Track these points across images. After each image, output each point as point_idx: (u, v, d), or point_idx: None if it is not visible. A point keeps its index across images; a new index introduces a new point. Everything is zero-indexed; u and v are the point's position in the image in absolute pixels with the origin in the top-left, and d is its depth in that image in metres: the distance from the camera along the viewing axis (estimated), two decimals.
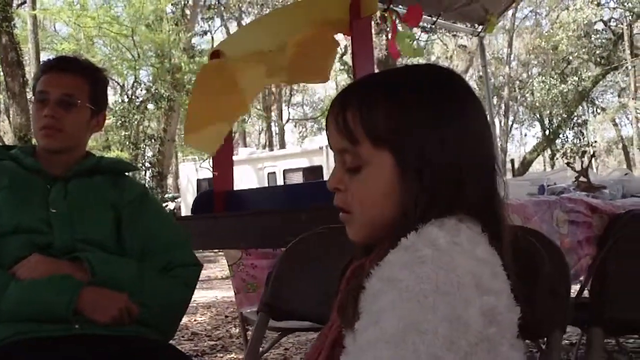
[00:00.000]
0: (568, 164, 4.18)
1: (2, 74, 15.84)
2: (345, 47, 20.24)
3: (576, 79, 27.90)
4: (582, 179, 3.83)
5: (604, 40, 27.73)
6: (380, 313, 0.99)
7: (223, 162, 3.47)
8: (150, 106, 24.76)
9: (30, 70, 18.40)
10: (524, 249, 1.15)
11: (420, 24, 5.93)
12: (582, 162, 4.18)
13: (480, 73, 19.38)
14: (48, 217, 2.06)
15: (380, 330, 0.98)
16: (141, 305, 2.00)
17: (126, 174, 2.33)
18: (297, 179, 19.78)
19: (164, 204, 12.28)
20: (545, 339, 1.29)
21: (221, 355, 5.45)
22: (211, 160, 3.76)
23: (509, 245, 1.10)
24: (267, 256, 3.67)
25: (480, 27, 5.76)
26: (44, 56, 20.72)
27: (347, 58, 24.39)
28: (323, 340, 1.16)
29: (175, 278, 2.14)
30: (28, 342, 1.86)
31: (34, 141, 2.41)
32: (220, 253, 13.18)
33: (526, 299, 1.08)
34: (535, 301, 1.13)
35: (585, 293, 3.74)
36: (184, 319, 2.18)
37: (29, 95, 16.91)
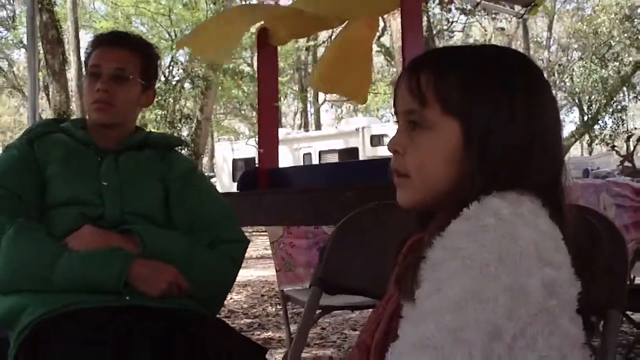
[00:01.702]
0: (613, 147, 4.14)
1: (42, 51, 15.98)
2: (383, 28, 20.16)
3: (617, 63, 27.50)
4: (627, 163, 3.80)
5: None
6: (442, 281, 1.00)
7: (268, 139, 3.48)
8: (187, 85, 24.90)
9: (69, 49, 18.57)
10: (582, 227, 1.14)
11: (461, 4, 5.89)
12: (627, 146, 4.14)
13: None
14: (100, 189, 2.09)
15: (441, 297, 0.99)
16: (189, 279, 2.02)
17: (175, 149, 2.35)
18: (333, 160, 19.81)
19: None
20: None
21: (258, 333, 5.50)
22: (257, 138, 3.78)
23: (570, 221, 1.10)
24: (307, 236, 3.69)
25: (524, 9, 5.68)
26: (83, 35, 20.93)
27: (384, 40, 24.28)
28: (381, 312, 1.17)
29: (222, 253, 2.15)
30: (78, 313, 1.88)
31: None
32: (255, 233, 13.30)
33: (584, 276, 1.08)
34: (593, 278, 1.12)
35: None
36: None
37: (69, 73, 17.11)
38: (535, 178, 1.09)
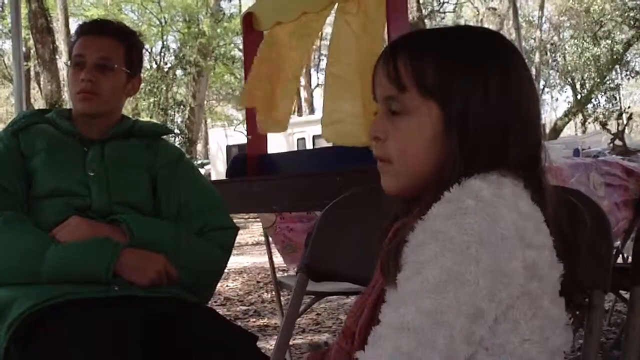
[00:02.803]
0: (604, 126, 4.14)
1: (32, 40, 15.89)
2: None
3: (609, 41, 27.45)
4: (617, 142, 3.79)
5: (638, 2, 27.20)
6: (422, 264, 1.00)
7: (256, 125, 3.46)
8: (179, 72, 24.84)
9: (59, 38, 18.48)
10: (565, 208, 1.14)
11: None
12: (617, 125, 4.14)
13: (512, 36, 19.14)
14: (86, 179, 2.08)
15: (422, 280, 0.98)
16: (178, 267, 2.02)
17: (162, 137, 2.34)
18: (327, 144, 19.74)
19: None
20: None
21: (254, 319, 5.51)
22: (245, 124, 3.76)
23: (552, 203, 1.10)
24: (302, 219, 3.68)
25: None
26: (73, 22, 20.82)
27: None
28: (366, 298, 1.17)
29: (211, 241, 2.15)
30: (67, 304, 1.88)
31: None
32: (250, 219, 13.30)
33: (567, 257, 1.08)
34: (576, 260, 1.12)
35: (621, 260, 3.73)
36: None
37: (59, 62, 17.03)
38: (514, 156, 1.09)
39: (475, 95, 1.09)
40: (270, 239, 3.90)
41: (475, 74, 1.10)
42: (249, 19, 3.55)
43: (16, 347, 1.87)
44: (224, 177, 3.85)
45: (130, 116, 2.40)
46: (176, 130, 22.01)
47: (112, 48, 2.18)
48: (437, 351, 0.95)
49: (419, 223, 1.04)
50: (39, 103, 18.45)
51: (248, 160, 3.35)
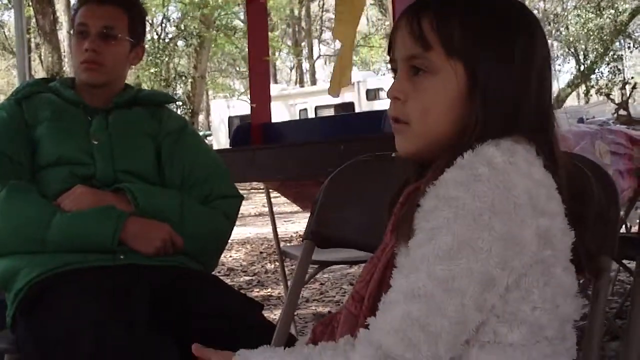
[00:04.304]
0: (608, 95, 4.12)
1: (32, 12, 15.79)
2: None
3: (613, 12, 27.25)
4: (621, 112, 3.78)
5: None
6: (435, 230, 0.99)
7: (260, 94, 3.46)
8: (180, 43, 24.71)
9: (60, 9, 18.36)
10: (574, 174, 1.14)
11: None
12: (622, 94, 4.12)
13: None
14: (90, 148, 2.07)
15: (434, 246, 0.98)
16: (184, 236, 2.02)
17: (166, 105, 2.32)
18: (329, 114, 19.75)
19: None
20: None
21: (257, 290, 5.53)
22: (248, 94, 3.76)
23: (564, 169, 1.09)
24: (308, 185, 3.68)
25: None
26: None
27: None
28: (375, 263, 1.16)
29: (215, 209, 2.15)
30: (73, 273, 1.89)
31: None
32: (252, 190, 13.30)
33: (576, 223, 1.08)
34: (585, 226, 1.11)
35: (624, 230, 3.73)
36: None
37: (60, 33, 16.94)
38: (528, 123, 1.08)
39: (501, 61, 1.08)
40: (280, 194, 3.87)
41: (503, 40, 1.09)
42: None
43: (22, 315, 1.88)
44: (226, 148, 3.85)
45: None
46: (178, 102, 21.94)
47: (115, 16, 2.15)
48: (447, 318, 0.96)
49: (431, 188, 1.03)
50: (39, 74, 18.31)
51: (252, 129, 3.35)
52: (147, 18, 2.34)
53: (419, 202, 1.04)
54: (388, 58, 1.20)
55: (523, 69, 1.09)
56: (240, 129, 3.42)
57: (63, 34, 18.58)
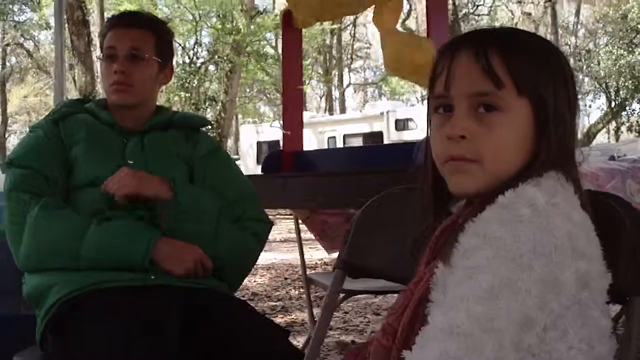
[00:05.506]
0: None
1: (68, 33, 16.04)
2: (408, 11, 20.03)
3: None
4: None
5: None
6: (474, 269, 1.00)
7: (292, 122, 3.48)
8: (211, 68, 24.92)
9: (95, 30, 18.64)
10: (603, 212, 1.14)
11: None
12: None
13: None
14: None
15: (474, 285, 0.98)
16: (214, 252, 2.05)
17: (200, 129, 2.35)
18: (357, 144, 19.78)
19: None
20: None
21: (281, 316, 5.51)
22: (281, 121, 3.78)
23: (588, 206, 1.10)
24: (336, 214, 3.69)
25: None
26: (108, 16, 20.93)
27: (410, 22, 24.13)
28: (409, 296, 1.16)
29: (247, 230, 2.17)
30: (104, 292, 1.90)
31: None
32: (279, 216, 13.31)
33: (609, 263, 1.07)
34: (618, 265, 1.11)
35: None
36: (244, 280, 2.23)
37: (94, 54, 17.17)
38: (561, 158, 1.11)
39: (562, 100, 1.11)
40: (307, 227, 3.88)
41: (559, 79, 1.12)
42: (288, 16, 3.56)
43: (52, 333, 1.90)
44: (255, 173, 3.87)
45: None
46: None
47: (142, 38, 2.19)
48: (485, 357, 0.96)
49: (470, 224, 1.04)
50: (72, 94, 18.58)
51: (283, 157, 3.37)
52: (179, 42, 2.37)
53: (458, 238, 1.04)
54: (422, 90, 1.21)
55: (574, 107, 1.13)
56: (272, 156, 3.44)
57: (97, 55, 18.84)
